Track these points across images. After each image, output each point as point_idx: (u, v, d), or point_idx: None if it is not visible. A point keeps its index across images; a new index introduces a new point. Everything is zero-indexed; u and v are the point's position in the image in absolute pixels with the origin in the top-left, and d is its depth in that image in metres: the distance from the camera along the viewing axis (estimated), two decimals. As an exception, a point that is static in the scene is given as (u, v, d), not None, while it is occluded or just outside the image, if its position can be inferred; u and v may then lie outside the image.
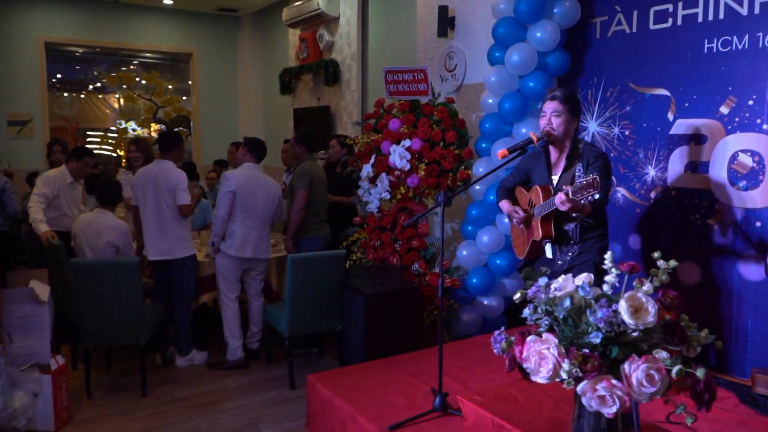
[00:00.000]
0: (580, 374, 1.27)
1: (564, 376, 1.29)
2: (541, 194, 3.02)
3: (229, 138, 8.57)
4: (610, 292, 1.37)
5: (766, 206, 3.24)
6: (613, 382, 1.27)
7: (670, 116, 3.67)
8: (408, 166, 4.33)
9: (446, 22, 5.04)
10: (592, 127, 4.12)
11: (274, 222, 4.57)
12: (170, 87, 9.04)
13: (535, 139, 2.99)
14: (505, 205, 3.28)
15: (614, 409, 1.26)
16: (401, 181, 4.45)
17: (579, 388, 1.29)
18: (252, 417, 3.67)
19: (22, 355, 3.50)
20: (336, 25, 6.96)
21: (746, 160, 3.30)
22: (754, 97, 3.24)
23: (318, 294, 4.07)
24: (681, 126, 3.61)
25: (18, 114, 7.76)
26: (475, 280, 4.39)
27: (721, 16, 3.37)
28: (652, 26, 3.74)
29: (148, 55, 8.91)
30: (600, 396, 1.27)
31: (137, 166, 5.05)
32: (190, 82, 9.15)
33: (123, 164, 8.55)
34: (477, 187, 4.46)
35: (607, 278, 1.41)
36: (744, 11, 3.26)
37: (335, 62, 6.92)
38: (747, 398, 3.05)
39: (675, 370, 1.23)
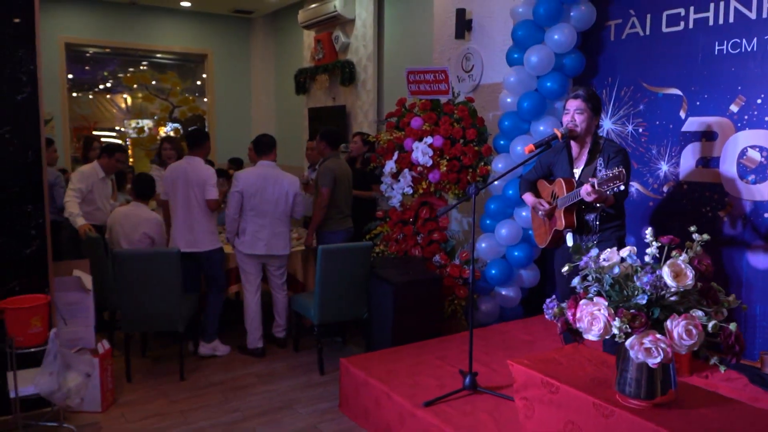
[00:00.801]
0: (630, 330, 1.48)
1: (615, 332, 1.49)
2: (564, 186, 3.22)
3: (242, 137, 8.79)
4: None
5: (773, 198, 3.45)
6: (658, 336, 1.47)
7: (682, 114, 3.88)
8: (430, 162, 4.53)
9: (464, 25, 5.25)
10: (606, 124, 4.32)
11: (295, 217, 4.71)
12: (178, 88, 9.22)
13: (559, 134, 3.20)
14: (528, 197, 3.48)
15: (658, 360, 1.47)
16: (423, 177, 4.66)
17: (628, 342, 1.50)
18: (287, 399, 3.87)
19: (69, 340, 3.69)
20: (351, 27, 7.17)
21: (755, 155, 3.52)
22: (762, 96, 3.46)
23: (346, 283, 4.26)
24: (693, 123, 3.83)
25: (40, 113, 7.96)
26: (493, 272, 4.59)
27: (731, 19, 3.59)
28: (664, 29, 3.95)
29: (162, 55, 9.10)
30: (646, 348, 1.47)
31: (170, 163, 5.25)
32: (198, 82, 9.34)
33: (130, 161, 8.75)
34: (495, 183, 4.67)
35: (648, 250, 1.61)
36: (753, 15, 3.48)
37: (351, 63, 7.13)
38: (756, 378, 3.27)
39: (711, 324, 1.43)
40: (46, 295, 3.39)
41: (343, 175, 4.77)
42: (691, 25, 3.80)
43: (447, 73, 4.59)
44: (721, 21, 3.63)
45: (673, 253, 1.56)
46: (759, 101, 3.47)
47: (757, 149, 3.50)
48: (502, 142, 4.61)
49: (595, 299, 1.56)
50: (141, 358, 4.53)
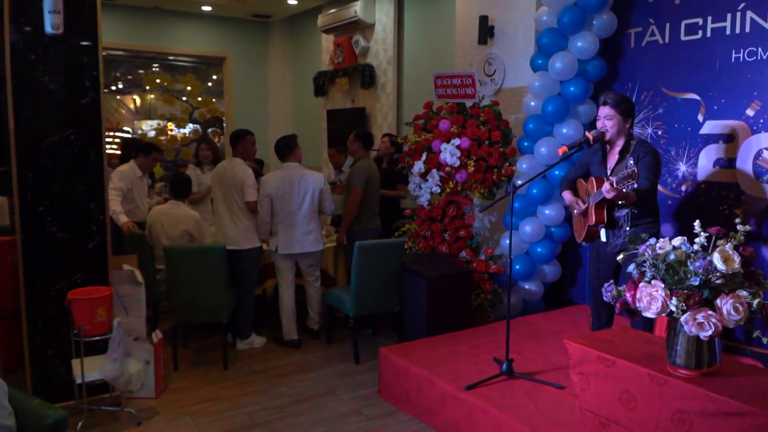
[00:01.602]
0: (685, 308, 1.71)
1: (673, 309, 1.72)
2: (595, 184, 3.46)
3: (260, 138, 8.96)
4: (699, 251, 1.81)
5: (788, 197, 3.70)
6: (709, 312, 1.71)
7: (700, 118, 4.12)
8: (458, 163, 4.77)
9: (486, 31, 5.48)
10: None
11: (325, 212, 4.88)
12: (197, 89, 9.43)
13: (590, 137, 3.44)
14: (567, 195, 3.72)
15: (710, 333, 1.70)
16: (450, 177, 4.89)
17: (683, 318, 1.73)
18: (328, 386, 4.10)
19: (123, 330, 3.92)
20: (371, 31, 7.40)
21: (770, 156, 3.76)
22: (777, 101, 3.70)
23: (379, 278, 4.48)
24: (710, 126, 4.07)
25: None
26: (517, 267, 4.83)
27: (747, 29, 3.83)
28: (683, 37, 4.19)
29: (182, 58, 9.32)
30: (699, 323, 1.70)
31: (207, 163, 5.49)
32: (209, 84, 9.56)
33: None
34: (518, 182, 4.91)
35: (696, 240, 1.84)
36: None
37: (371, 66, 7.36)
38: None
39: (756, 302, 1.66)
40: (109, 287, 3.62)
41: (374, 176, 5.00)
42: (708, 34, 4.04)
43: (474, 77, 4.82)
44: (737, 30, 3.87)
45: (720, 241, 1.80)
46: (774, 106, 3.72)
47: (772, 151, 3.75)
48: (526, 144, 4.85)
49: (652, 282, 1.80)
50: (183, 348, 4.75)
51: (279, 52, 9.60)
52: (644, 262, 1.89)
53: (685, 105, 4.21)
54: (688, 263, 1.74)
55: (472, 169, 4.75)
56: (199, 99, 9.40)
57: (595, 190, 3.45)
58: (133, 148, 5.60)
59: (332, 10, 7.77)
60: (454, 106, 5.02)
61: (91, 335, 3.41)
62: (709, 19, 4.02)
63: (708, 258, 1.72)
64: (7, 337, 4.22)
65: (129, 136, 8.93)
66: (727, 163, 3.99)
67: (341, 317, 5.09)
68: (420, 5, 6.97)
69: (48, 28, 3.35)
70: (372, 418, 3.66)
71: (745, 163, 3.89)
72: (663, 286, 1.76)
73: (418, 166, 4.97)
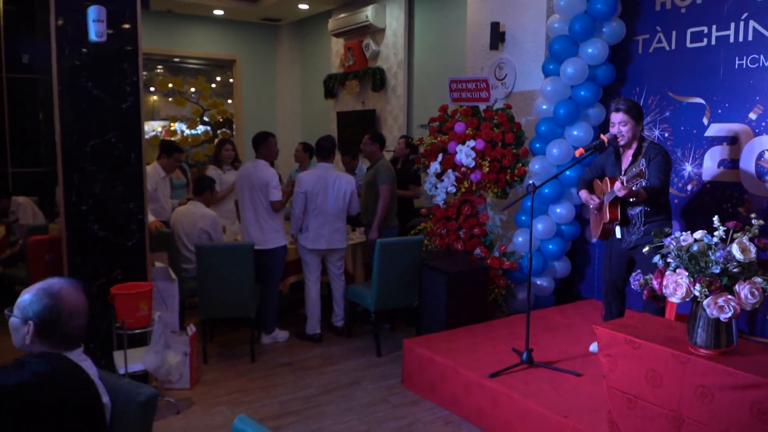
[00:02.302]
0: (707, 293, 1.92)
1: (696, 294, 1.93)
2: (609, 184, 3.67)
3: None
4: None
5: (789, 195, 3.92)
6: (729, 296, 1.91)
7: (705, 121, 4.34)
8: (473, 164, 4.97)
9: (497, 37, 5.69)
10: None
11: (351, 213, 5.13)
12: (207, 92, 9.61)
13: (605, 140, 3.65)
14: (583, 194, 3.93)
15: (729, 315, 1.91)
16: (465, 177, 5.09)
17: (705, 302, 1.93)
18: (353, 377, 4.30)
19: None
20: (382, 36, 7.61)
21: (772, 157, 3.98)
22: (779, 105, 3.93)
23: (400, 274, 4.68)
24: (715, 129, 4.29)
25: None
26: (529, 263, 5.03)
27: (750, 38, 4.05)
28: (689, 44, 4.41)
29: (193, 60, 9.51)
30: (719, 306, 1.91)
31: (227, 162, 5.69)
32: (213, 86, 9.74)
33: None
34: (534, 182, 5.11)
35: (715, 233, 2.05)
36: (771, 34, 3.95)
37: (381, 69, 7.57)
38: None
39: (770, 288, 1.88)
40: (149, 282, 3.81)
41: (394, 176, 5.21)
42: (713, 42, 4.26)
43: (488, 82, 5.03)
44: (741, 39, 4.09)
45: (737, 234, 2.00)
46: (776, 110, 3.94)
47: (775, 152, 3.97)
48: (537, 145, 5.06)
49: (677, 271, 2.01)
50: (209, 343, 4.94)
51: (287, 55, 9.79)
52: (668, 253, 2.10)
53: (690, 108, 4.43)
54: (709, 253, 1.95)
55: (487, 169, 4.95)
56: (210, 101, 9.59)
57: (609, 189, 3.66)
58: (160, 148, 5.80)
59: (342, 15, 7.98)
60: (469, 109, 5.22)
61: (133, 328, 3.59)
62: (714, 27, 4.24)
63: (727, 249, 1.93)
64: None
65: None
66: (731, 164, 4.21)
67: (359, 312, 5.30)
68: (430, 11, 7.18)
69: (92, 36, 3.54)
70: (398, 406, 3.86)
71: (748, 163, 4.11)
72: (687, 274, 1.97)
73: (434, 166, 5.17)
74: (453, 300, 4.49)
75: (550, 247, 5.06)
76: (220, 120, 9.69)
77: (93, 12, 3.51)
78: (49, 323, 1.81)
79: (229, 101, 9.85)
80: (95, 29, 3.52)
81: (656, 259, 2.16)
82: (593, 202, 3.81)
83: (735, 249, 1.89)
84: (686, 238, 2.03)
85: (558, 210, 4.98)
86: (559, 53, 4.79)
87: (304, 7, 8.43)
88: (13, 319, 1.86)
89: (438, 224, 5.29)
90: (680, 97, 4.49)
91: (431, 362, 3.93)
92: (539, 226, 5.00)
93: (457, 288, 4.50)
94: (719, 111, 4.25)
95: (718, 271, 1.92)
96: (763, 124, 4.01)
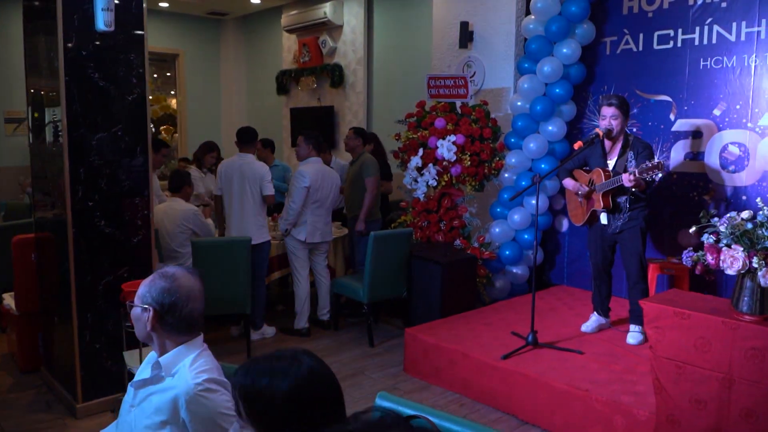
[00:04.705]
0: (764, 264, 2.18)
1: (756, 266, 2.19)
2: (602, 175, 3.96)
3: (212, 135, 8.96)
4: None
5: (750, 184, 4.37)
6: (781, 267, 2.20)
7: (672, 117, 4.75)
8: (454, 158, 5.16)
9: (467, 36, 5.91)
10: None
11: (334, 208, 5.20)
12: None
13: (601, 134, 3.93)
14: (569, 182, 4.20)
15: (781, 282, 2.20)
16: (446, 171, 5.27)
17: (760, 272, 2.20)
18: (355, 368, 4.37)
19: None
20: (339, 32, 7.66)
21: (734, 150, 4.43)
22: (740, 102, 4.36)
23: (390, 265, 4.79)
24: (681, 124, 4.70)
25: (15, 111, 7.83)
26: (507, 252, 5.29)
27: (714, 41, 4.47)
28: (656, 46, 4.80)
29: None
30: (773, 276, 2.19)
31: (209, 166, 5.59)
32: (161, 81, 9.44)
33: None
34: (506, 175, 5.38)
35: (759, 213, 2.32)
36: (732, 38, 4.38)
37: (340, 66, 7.62)
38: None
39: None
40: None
41: (379, 169, 5.31)
42: (679, 44, 4.66)
43: (467, 79, 5.23)
44: (705, 41, 4.51)
45: (781, 214, 2.29)
46: (738, 107, 4.38)
47: (736, 145, 4.41)
48: (513, 140, 5.32)
49: (733, 246, 2.26)
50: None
51: (233, 50, 9.61)
52: (716, 231, 2.36)
53: (658, 105, 4.82)
54: (762, 230, 2.22)
55: (468, 163, 5.15)
56: (151, 96, 9.24)
57: (603, 180, 3.95)
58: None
59: (295, 11, 7.95)
60: (446, 105, 5.40)
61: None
62: (680, 31, 4.64)
63: (778, 226, 2.20)
64: (31, 336, 4.18)
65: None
66: (696, 156, 4.63)
67: (342, 304, 5.35)
68: (390, 9, 7.30)
69: (100, 25, 3.40)
70: (408, 392, 3.98)
71: (711, 156, 4.54)
72: (741, 249, 2.23)
73: (415, 161, 5.31)
74: (447, 289, 4.65)
75: (526, 236, 5.34)
76: (162, 115, 9.37)
77: (101, 0, 3.38)
78: (168, 307, 1.80)
79: (173, 94, 9.53)
80: (103, 18, 3.39)
81: (704, 237, 2.41)
82: (582, 189, 4.09)
83: (785, 226, 2.17)
84: (738, 217, 2.29)
85: (533, 201, 5.25)
86: (536, 52, 5.06)
87: (255, 1, 8.32)
88: (134, 309, 1.82)
89: (419, 217, 5.44)
90: (648, 95, 4.88)
91: (437, 348, 4.07)
92: (515, 216, 5.26)
93: (451, 277, 4.67)
94: (685, 108, 4.66)
95: (770, 245, 2.19)
96: (726, 119, 4.45)
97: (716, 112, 4.50)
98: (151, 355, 1.91)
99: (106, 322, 3.63)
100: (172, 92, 9.59)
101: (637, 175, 3.61)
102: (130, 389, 1.86)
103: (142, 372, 1.88)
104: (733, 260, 2.22)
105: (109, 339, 3.66)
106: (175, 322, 1.81)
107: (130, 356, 3.60)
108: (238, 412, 1.34)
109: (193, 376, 1.73)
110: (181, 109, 9.44)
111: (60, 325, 3.78)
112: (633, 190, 3.88)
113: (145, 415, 1.75)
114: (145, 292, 1.82)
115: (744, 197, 4.40)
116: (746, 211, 2.34)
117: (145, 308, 1.80)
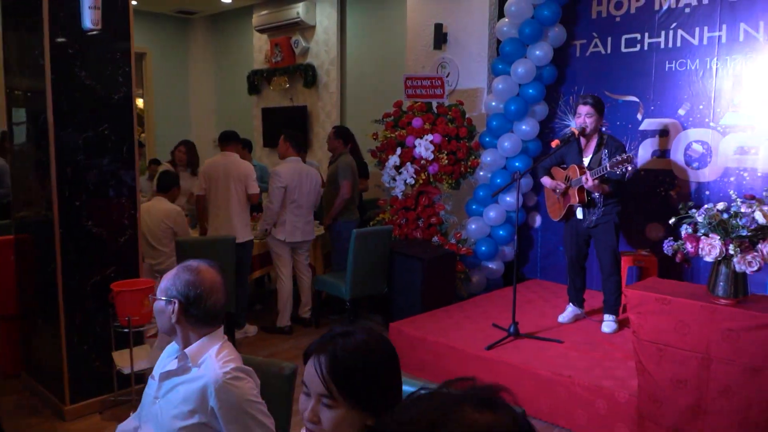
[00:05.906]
0: (739, 251, 2.35)
1: (731, 252, 2.36)
2: (578, 171, 4.14)
3: (181, 136, 8.89)
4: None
5: (712, 180, 4.61)
6: (754, 253, 2.36)
7: (639, 116, 4.97)
8: (432, 156, 5.29)
9: (441, 38, 6.05)
10: (573, 124, 5.33)
11: (315, 206, 5.26)
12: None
13: (576, 132, 4.11)
14: (546, 180, 4.36)
15: (755, 268, 2.36)
16: (424, 169, 5.39)
17: (735, 258, 2.37)
18: (340, 362, 4.43)
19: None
20: (312, 33, 7.71)
21: (698, 147, 4.67)
22: (703, 103, 4.61)
23: (372, 262, 4.88)
24: (648, 124, 4.93)
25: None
26: (483, 248, 5.44)
27: (678, 44, 4.71)
28: (623, 49, 5.02)
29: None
30: (748, 261, 2.35)
31: (182, 164, 5.56)
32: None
33: None
34: (481, 173, 5.54)
35: (733, 204, 2.49)
36: (695, 42, 4.62)
37: (312, 66, 7.67)
38: None
39: (785, 246, 2.35)
40: (148, 279, 3.71)
41: (355, 170, 5.38)
42: (646, 47, 4.89)
43: (443, 80, 5.36)
44: (670, 45, 4.74)
45: (755, 205, 2.46)
46: (701, 107, 4.62)
47: (700, 143, 4.65)
48: (487, 139, 5.47)
49: (710, 235, 2.43)
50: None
51: (202, 49, 9.55)
52: (694, 222, 2.53)
53: (625, 106, 5.04)
54: (737, 220, 2.39)
55: (446, 161, 5.29)
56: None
57: (578, 176, 4.12)
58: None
59: (266, 11, 7.96)
60: (423, 105, 5.52)
61: (138, 326, 3.50)
62: (646, 34, 4.87)
63: (751, 216, 2.37)
64: (10, 339, 4.12)
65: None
66: (663, 153, 4.86)
67: (323, 301, 5.41)
68: (363, 10, 7.39)
69: (87, 23, 3.40)
70: (394, 385, 4.06)
71: (677, 153, 4.77)
72: (718, 237, 2.40)
73: (393, 159, 5.42)
74: (428, 284, 4.77)
75: (501, 232, 5.50)
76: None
77: (88, -2, 3.37)
78: (193, 299, 1.85)
79: (139, 94, 9.40)
80: (90, 16, 3.39)
81: (683, 228, 2.58)
82: (560, 187, 4.26)
83: (758, 215, 2.34)
84: (714, 209, 2.47)
85: (508, 198, 5.42)
86: (510, 54, 5.23)
87: (226, 0, 8.30)
88: (157, 302, 1.87)
89: (397, 214, 5.55)
90: (616, 95, 5.10)
91: (422, 341, 4.18)
92: (491, 213, 5.42)
93: (432, 273, 4.79)
94: (652, 108, 4.89)
95: (745, 233, 2.36)
96: (691, 119, 4.69)
97: (681, 111, 4.73)
98: (172, 348, 1.95)
99: (94, 323, 3.62)
100: (140, 92, 9.47)
101: (608, 168, 3.80)
102: (152, 382, 1.90)
103: (165, 364, 1.92)
104: (711, 248, 2.39)
105: (98, 340, 3.65)
106: (199, 314, 1.86)
107: (119, 356, 3.61)
108: (329, 393, 1.26)
109: (221, 365, 1.78)
110: (149, 109, 9.32)
111: (44, 327, 3.74)
112: (595, 194, 4.06)
113: (173, 405, 1.80)
114: (169, 285, 1.86)
115: (707, 192, 4.64)
116: (721, 203, 2.51)
117: (170, 301, 1.85)
